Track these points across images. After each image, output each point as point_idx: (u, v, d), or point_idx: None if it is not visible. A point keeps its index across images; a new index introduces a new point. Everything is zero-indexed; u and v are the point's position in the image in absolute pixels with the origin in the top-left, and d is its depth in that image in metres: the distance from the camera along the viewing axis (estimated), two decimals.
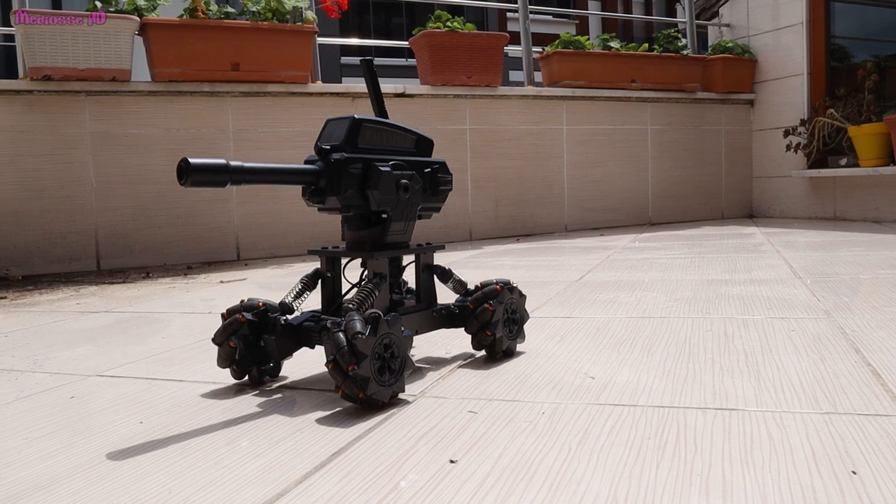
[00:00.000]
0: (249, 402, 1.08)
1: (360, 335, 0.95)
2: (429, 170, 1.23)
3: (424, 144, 1.26)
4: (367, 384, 0.96)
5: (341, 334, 0.97)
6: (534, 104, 4.16)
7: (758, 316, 1.56)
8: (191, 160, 0.91)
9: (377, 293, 1.12)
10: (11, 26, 3.13)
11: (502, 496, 0.71)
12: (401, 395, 1.05)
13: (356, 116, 1.13)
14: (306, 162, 1.12)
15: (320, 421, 0.97)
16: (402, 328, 1.03)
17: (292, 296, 1.18)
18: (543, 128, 4.19)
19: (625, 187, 4.50)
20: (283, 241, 3.51)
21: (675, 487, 0.71)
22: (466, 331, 1.26)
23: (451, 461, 0.81)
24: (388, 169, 1.14)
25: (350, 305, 1.07)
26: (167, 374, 1.29)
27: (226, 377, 1.21)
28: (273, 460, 0.83)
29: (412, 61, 4.26)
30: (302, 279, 1.20)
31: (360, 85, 3.73)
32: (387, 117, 1.24)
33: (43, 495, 0.77)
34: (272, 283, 2.55)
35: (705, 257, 2.70)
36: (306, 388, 1.15)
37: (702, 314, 1.61)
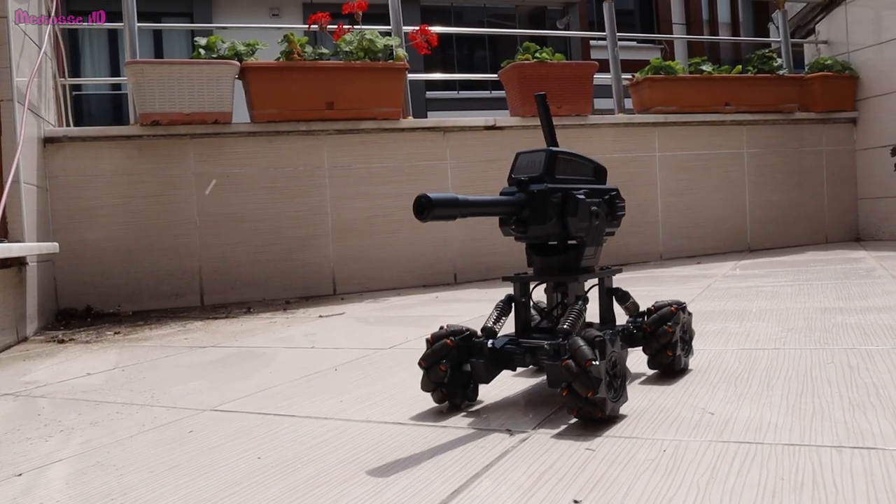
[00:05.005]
0: (365, 437, 1.09)
1: (593, 362, 1.00)
2: (608, 196, 1.27)
3: (600, 172, 1.32)
4: (605, 405, 1.02)
5: (572, 362, 1.01)
6: (625, 132, 4.11)
7: (882, 346, 1.47)
8: (431, 196, 0.96)
9: (584, 315, 1.18)
10: (123, 76, 3.32)
11: None
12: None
13: (551, 149, 1.20)
14: (503, 193, 1.17)
15: (434, 457, 0.96)
16: (621, 343, 1.10)
17: (492, 321, 1.22)
18: (635, 155, 4.13)
19: (722, 214, 4.36)
20: (378, 275, 3.55)
21: None
22: (644, 351, 1.31)
23: (576, 501, 0.78)
24: (583, 197, 1.18)
25: (566, 327, 1.12)
26: (278, 409, 1.31)
27: (335, 413, 1.23)
28: (395, 496, 0.83)
29: (497, 93, 4.28)
30: (497, 305, 1.25)
31: (449, 119, 3.77)
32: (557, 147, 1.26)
33: None
34: (370, 317, 2.58)
35: (814, 284, 2.58)
36: (411, 424, 1.15)
37: (820, 345, 1.53)
